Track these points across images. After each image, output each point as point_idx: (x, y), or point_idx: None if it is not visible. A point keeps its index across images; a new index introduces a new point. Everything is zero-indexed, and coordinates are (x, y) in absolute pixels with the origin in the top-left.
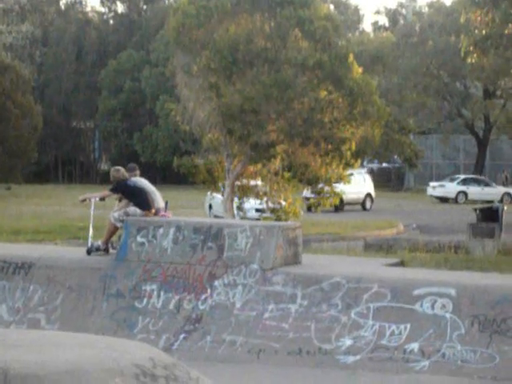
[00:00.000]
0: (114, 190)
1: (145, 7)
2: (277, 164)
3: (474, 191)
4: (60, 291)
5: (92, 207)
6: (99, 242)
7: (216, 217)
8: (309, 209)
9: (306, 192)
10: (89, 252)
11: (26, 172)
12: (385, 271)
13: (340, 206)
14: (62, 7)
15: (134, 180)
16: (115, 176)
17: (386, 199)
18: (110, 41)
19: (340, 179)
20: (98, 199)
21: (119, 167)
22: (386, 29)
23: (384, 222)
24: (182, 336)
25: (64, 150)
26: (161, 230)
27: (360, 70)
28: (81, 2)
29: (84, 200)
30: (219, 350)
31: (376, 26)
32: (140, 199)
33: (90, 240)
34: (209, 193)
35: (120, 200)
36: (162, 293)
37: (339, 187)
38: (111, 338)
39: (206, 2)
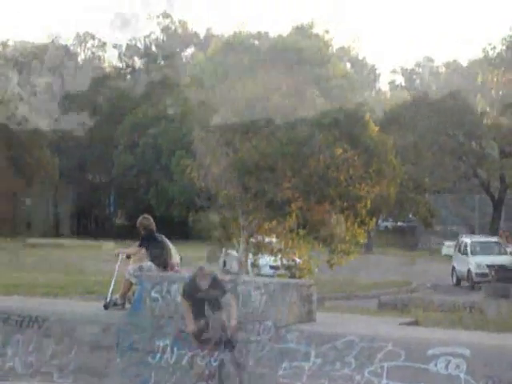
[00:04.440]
0: (143, 244)
1: (162, 63)
2: (292, 221)
3: None
4: (73, 345)
5: (118, 262)
6: (117, 297)
7: (230, 273)
8: None
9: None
10: (106, 307)
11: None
12: (399, 330)
13: None
14: (80, 62)
15: (159, 236)
16: (145, 224)
17: (400, 258)
18: (127, 96)
19: (355, 237)
20: (125, 256)
21: (149, 216)
22: (402, 88)
23: (398, 281)
24: None
25: (79, 204)
26: (175, 286)
27: (376, 128)
28: (98, 58)
29: (117, 254)
30: None
31: (392, 85)
32: (160, 256)
33: (109, 295)
34: (223, 249)
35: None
36: (175, 348)
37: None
38: None
39: (224, 58)
